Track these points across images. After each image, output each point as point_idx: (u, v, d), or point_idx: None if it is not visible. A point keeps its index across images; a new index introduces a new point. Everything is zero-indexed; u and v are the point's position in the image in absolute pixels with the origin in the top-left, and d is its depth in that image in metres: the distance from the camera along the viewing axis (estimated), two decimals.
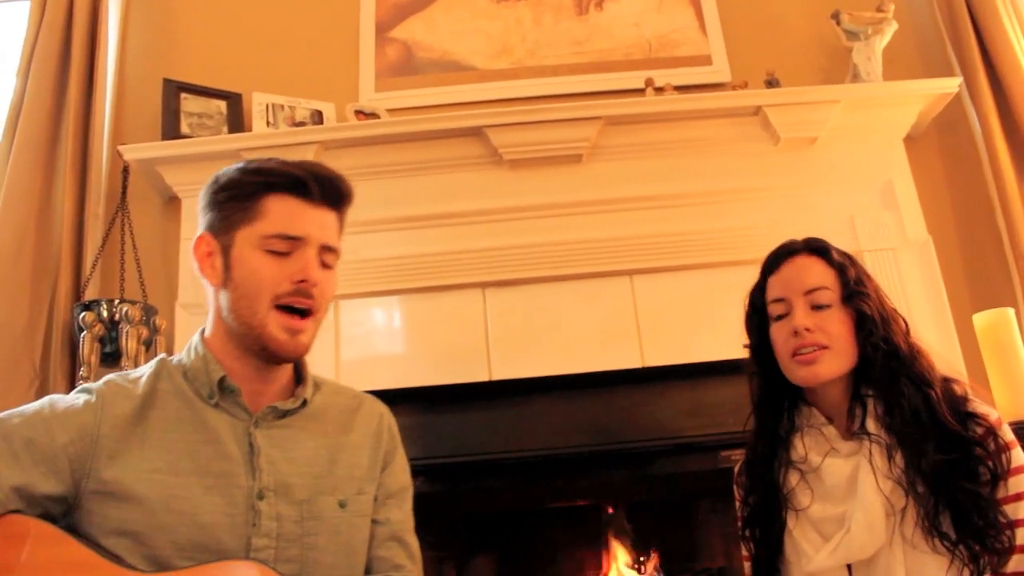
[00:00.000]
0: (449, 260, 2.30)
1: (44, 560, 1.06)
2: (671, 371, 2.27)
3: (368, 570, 1.28)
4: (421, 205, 2.34)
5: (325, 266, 1.26)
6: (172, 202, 2.51)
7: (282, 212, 1.22)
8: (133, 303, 2.14)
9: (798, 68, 2.64)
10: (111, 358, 2.14)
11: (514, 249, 2.31)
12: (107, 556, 1.09)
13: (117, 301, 2.18)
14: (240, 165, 1.26)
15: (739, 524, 1.47)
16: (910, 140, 2.49)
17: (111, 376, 1.26)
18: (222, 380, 1.22)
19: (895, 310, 1.37)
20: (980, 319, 2.05)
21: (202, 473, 1.17)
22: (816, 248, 1.40)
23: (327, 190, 1.25)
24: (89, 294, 2.32)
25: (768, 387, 1.43)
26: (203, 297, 2.26)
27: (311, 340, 1.25)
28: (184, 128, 2.44)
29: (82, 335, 2.07)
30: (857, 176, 2.39)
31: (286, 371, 1.31)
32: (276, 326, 1.20)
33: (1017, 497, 1.20)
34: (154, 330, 2.15)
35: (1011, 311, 2.04)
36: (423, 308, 2.30)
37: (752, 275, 2.26)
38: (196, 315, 2.29)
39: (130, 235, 2.41)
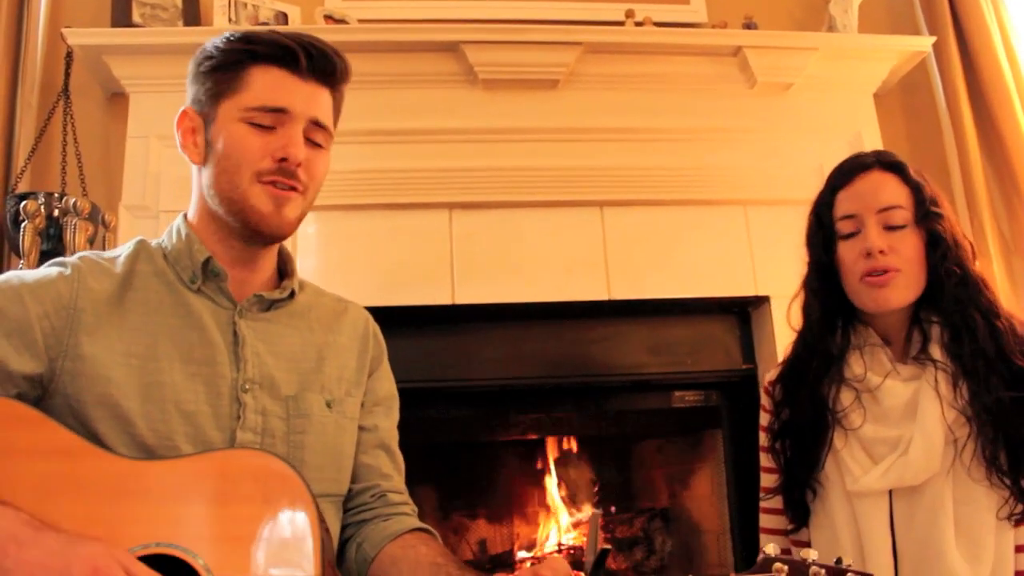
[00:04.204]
0: (416, 178, 2.22)
1: (22, 444, 0.95)
2: (634, 306, 2.27)
3: (354, 478, 1.22)
4: (390, 119, 2.24)
5: (315, 144, 1.16)
6: (116, 98, 2.33)
7: (267, 83, 1.12)
8: (80, 196, 1.97)
9: (773, 16, 2.62)
10: (49, 257, 1.96)
11: (485, 171, 2.24)
12: (94, 442, 0.99)
13: (57, 195, 2.01)
14: (227, 34, 1.16)
15: (763, 433, 1.43)
16: (876, 98, 2.51)
17: (85, 252, 1.16)
18: (207, 262, 1.13)
19: (965, 235, 1.31)
20: None
21: (184, 359, 1.08)
22: (890, 164, 1.31)
23: (317, 62, 1.15)
24: (21, 189, 2.14)
25: (825, 304, 1.35)
26: (149, 200, 2.20)
27: (297, 217, 1.16)
28: (136, 18, 2.26)
29: (23, 226, 1.90)
30: (827, 126, 2.41)
31: (271, 260, 1.23)
32: (259, 197, 1.11)
33: None
34: (102, 226, 2.00)
35: None
36: (386, 225, 2.20)
37: (723, 216, 2.32)
38: (141, 218, 2.15)
39: (72, 128, 2.23)
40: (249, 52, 1.13)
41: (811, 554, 0.87)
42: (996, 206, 2.47)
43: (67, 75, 2.25)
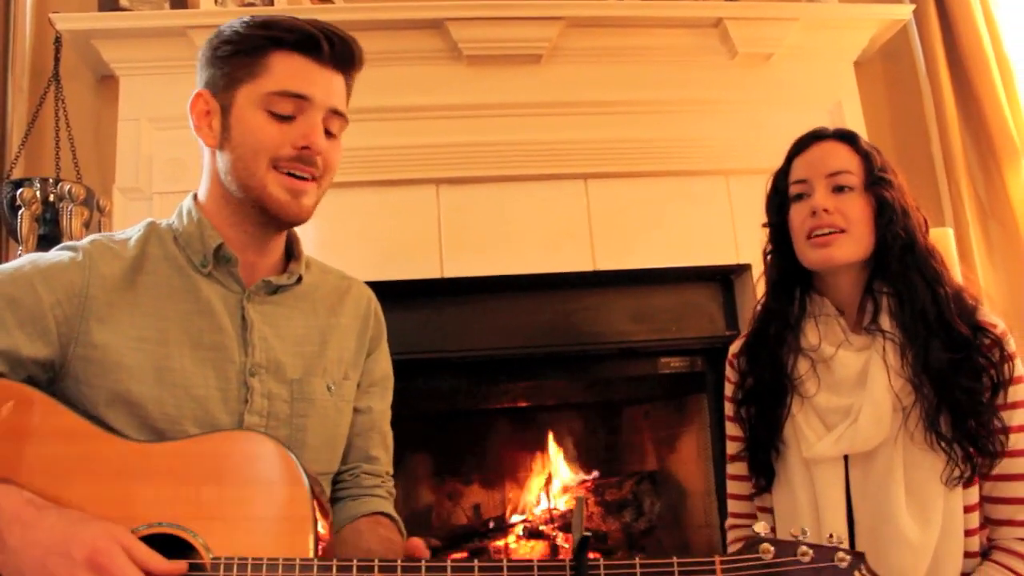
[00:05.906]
0: (403, 154, 2.26)
1: (32, 427, 1.00)
2: (619, 276, 2.32)
3: (342, 456, 1.27)
4: (376, 97, 2.26)
5: (330, 135, 1.17)
6: (105, 81, 2.37)
7: (289, 69, 1.12)
8: (74, 182, 2.01)
9: None
10: (47, 241, 2.01)
11: (470, 147, 2.28)
12: (101, 426, 1.04)
13: (52, 180, 2.06)
14: (246, 19, 1.16)
15: (728, 403, 1.48)
16: (856, 66, 2.54)
17: (96, 236, 1.18)
18: (219, 247, 1.15)
19: (917, 207, 1.36)
20: None
21: (194, 345, 1.12)
22: (844, 135, 1.37)
23: (338, 50, 1.15)
24: (16, 175, 2.18)
25: (782, 270, 1.41)
26: (142, 182, 2.24)
27: (314, 205, 1.17)
28: (123, 1, 2.29)
29: (20, 213, 1.94)
30: (808, 96, 2.44)
31: (280, 244, 1.24)
32: (276, 186, 1.12)
33: (1014, 405, 1.25)
34: (97, 211, 2.04)
35: (950, 231, 2.15)
36: (375, 202, 2.25)
37: (705, 186, 2.36)
38: (134, 200, 2.20)
39: (64, 112, 2.26)
40: (271, 38, 1.13)
41: (772, 532, 0.92)
42: (974, 171, 2.51)
43: (56, 59, 2.27)
